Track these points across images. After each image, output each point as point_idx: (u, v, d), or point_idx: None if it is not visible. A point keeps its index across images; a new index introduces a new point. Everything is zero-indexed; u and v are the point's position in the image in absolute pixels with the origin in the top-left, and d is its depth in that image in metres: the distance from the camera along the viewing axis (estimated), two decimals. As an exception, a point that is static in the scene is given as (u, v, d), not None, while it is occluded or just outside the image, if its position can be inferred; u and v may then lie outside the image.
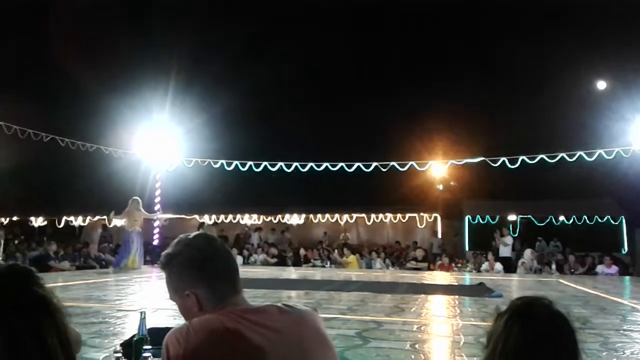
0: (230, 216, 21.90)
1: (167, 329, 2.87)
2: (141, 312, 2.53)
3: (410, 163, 16.94)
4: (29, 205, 22.28)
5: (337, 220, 21.37)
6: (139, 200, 14.33)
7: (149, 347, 2.34)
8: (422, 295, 9.06)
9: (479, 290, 9.90)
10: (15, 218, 23.11)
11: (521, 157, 15.95)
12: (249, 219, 22.19)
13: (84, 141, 15.79)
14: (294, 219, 21.76)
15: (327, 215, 21.32)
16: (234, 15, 20.26)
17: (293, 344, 1.59)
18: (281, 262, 17.95)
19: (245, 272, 14.58)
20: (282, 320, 1.61)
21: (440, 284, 12.20)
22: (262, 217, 22.10)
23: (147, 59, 18.88)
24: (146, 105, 17.33)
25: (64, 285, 9.76)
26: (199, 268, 1.69)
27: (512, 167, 16.09)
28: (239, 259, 18.45)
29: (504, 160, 16.14)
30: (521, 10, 21.16)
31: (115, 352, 2.66)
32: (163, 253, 1.79)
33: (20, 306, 0.91)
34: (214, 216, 21.70)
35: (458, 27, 21.43)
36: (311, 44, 19.77)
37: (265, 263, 17.94)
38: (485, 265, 16.40)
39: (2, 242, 14.45)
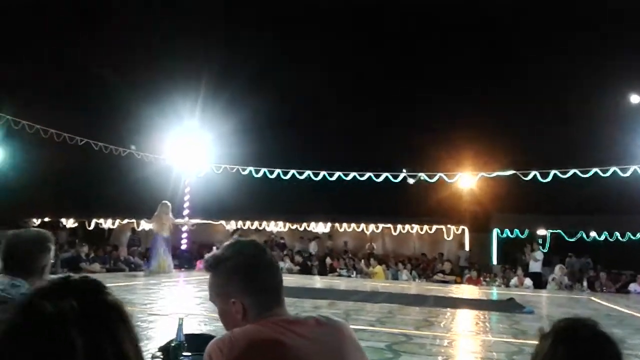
0: (256, 223, 21.99)
1: (203, 336, 2.90)
2: (179, 319, 2.57)
3: (439, 175, 16.80)
4: (61, 207, 22.71)
5: (362, 229, 21.28)
6: (169, 204, 14.47)
7: (188, 353, 2.37)
8: (451, 309, 8.96)
9: (509, 306, 9.74)
10: (47, 219, 23.61)
11: (553, 171, 15.69)
12: (275, 227, 22.26)
13: (116, 145, 16.10)
14: (320, 228, 21.73)
15: (353, 225, 21.24)
16: (263, 21, 20.45)
17: (333, 355, 1.60)
18: (305, 270, 17.97)
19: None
20: (321, 331, 1.62)
21: (469, 298, 12.02)
22: (287, 224, 22.14)
23: (178, 66, 19.14)
24: (177, 111, 17.60)
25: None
26: (247, 276, 1.68)
27: (544, 181, 15.82)
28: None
29: (535, 174, 15.89)
30: (554, 23, 20.90)
31: (154, 357, 2.70)
32: (211, 254, 1.77)
33: (96, 314, 0.97)
34: (240, 222, 21.84)
35: (489, 39, 21.24)
36: (342, 52, 19.79)
37: (290, 271, 17.98)
38: (514, 280, 16.11)
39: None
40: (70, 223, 23.44)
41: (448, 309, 9.08)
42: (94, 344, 0.92)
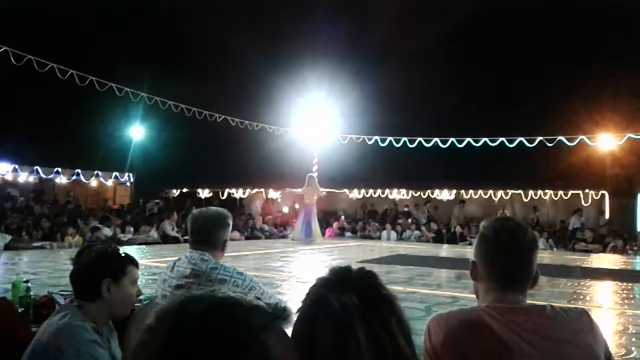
0: (379, 191, 22.11)
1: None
2: None
3: (581, 137, 15.71)
4: (197, 178, 24.28)
5: (490, 196, 20.59)
6: (314, 176, 15.28)
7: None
8: (604, 282, 8.52)
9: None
10: (184, 190, 25.41)
11: None
12: (398, 194, 22.22)
13: (250, 120, 16.85)
14: (444, 195, 21.37)
15: (480, 191, 20.62)
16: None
17: (549, 350, 1.55)
18: (439, 239, 18.04)
19: (397, 247, 14.77)
20: (540, 323, 1.59)
21: (623, 269, 11.30)
22: (410, 192, 22.00)
23: (306, 38, 19.33)
24: (305, 83, 17.95)
25: (249, 254, 10.60)
26: (483, 250, 1.77)
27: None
28: (393, 234, 18.69)
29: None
30: None
31: None
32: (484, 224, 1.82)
33: (374, 308, 1.07)
34: (363, 190, 22.14)
35: None
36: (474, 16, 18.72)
37: (419, 239, 18.03)
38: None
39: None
40: (205, 193, 25.06)
41: (598, 281, 8.65)
42: (374, 337, 1.03)
